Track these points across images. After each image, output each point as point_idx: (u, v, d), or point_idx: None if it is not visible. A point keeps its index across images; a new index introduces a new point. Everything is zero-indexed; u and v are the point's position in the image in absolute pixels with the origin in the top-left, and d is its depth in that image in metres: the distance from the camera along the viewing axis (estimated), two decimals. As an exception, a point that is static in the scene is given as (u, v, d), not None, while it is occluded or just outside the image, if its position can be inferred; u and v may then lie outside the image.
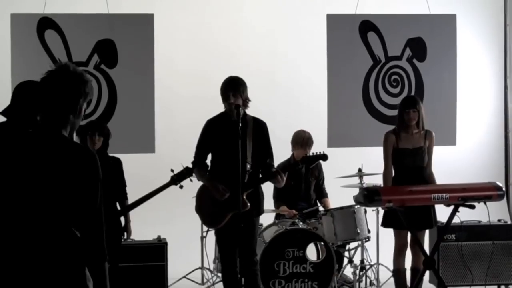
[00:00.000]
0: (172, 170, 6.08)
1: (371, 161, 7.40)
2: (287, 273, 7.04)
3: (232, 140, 5.74)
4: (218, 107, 6.08)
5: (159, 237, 7.41)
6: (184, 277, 7.79)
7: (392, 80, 8.42)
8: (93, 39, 7.99)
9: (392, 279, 7.10)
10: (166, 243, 7.28)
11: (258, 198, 6.07)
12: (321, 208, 7.81)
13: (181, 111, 8.87)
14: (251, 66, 8.70)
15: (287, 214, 7.56)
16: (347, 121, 8.32)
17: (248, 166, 5.92)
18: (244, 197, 5.81)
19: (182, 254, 7.84)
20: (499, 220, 7.67)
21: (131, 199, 6.29)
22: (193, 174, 6.17)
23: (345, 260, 7.63)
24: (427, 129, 6.67)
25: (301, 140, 7.59)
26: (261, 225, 7.08)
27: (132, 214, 6.44)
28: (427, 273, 7.06)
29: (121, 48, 8.00)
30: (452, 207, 5.65)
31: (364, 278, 7.62)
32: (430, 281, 7.54)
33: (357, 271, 7.53)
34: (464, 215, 5.93)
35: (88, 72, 7.86)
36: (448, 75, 8.45)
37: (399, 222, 6.10)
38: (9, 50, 7.86)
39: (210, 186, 6.01)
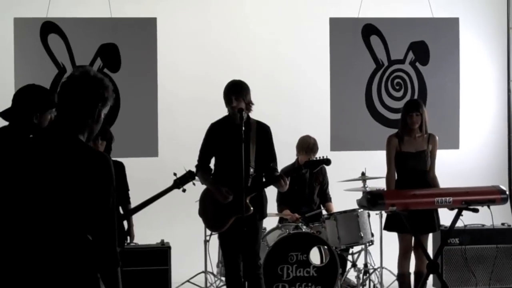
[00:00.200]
0: (175, 174, 6.08)
1: (374, 165, 7.39)
2: (290, 277, 7.03)
3: (235, 144, 5.75)
4: (221, 110, 6.08)
5: (162, 241, 7.41)
6: (188, 281, 7.79)
7: (395, 83, 8.42)
8: (96, 43, 7.99)
9: (395, 283, 7.10)
10: (169, 247, 7.28)
11: (261, 202, 6.07)
12: (324, 212, 7.81)
13: (184, 114, 8.87)
14: (254, 69, 8.71)
15: (290, 218, 7.56)
16: (350, 125, 8.31)
17: (251, 170, 5.92)
18: (247, 201, 5.81)
19: (186, 258, 7.84)
20: (502, 224, 7.68)
21: (134, 203, 6.29)
22: (196, 178, 6.18)
23: (349, 264, 7.62)
24: (430, 132, 6.67)
25: (306, 146, 7.58)
26: (265, 229, 7.08)
27: (135, 218, 6.43)
28: (431, 277, 7.04)
29: (124, 52, 8.00)
30: (455, 210, 5.64)
31: (367, 282, 7.61)
32: (434, 285, 7.53)
33: (361, 275, 7.53)
34: (468, 218, 5.91)
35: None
36: (451, 78, 8.45)
37: (403, 226, 6.09)
38: (13, 55, 7.86)
39: (213, 190, 6.02)
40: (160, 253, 7.23)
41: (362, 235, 7.28)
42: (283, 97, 9.10)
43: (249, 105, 5.96)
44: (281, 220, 7.68)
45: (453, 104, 8.43)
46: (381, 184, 6.97)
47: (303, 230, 7.20)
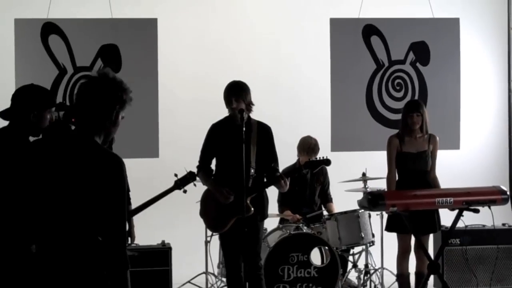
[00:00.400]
0: (176, 175, 6.08)
1: (375, 165, 7.39)
2: (291, 277, 7.03)
3: (236, 145, 5.75)
4: (222, 111, 6.08)
5: (163, 242, 7.41)
6: (189, 281, 7.79)
7: (395, 84, 8.42)
8: (97, 44, 7.99)
9: (396, 284, 7.09)
10: (170, 248, 7.28)
11: (262, 203, 6.07)
12: (325, 213, 7.81)
13: (185, 115, 8.88)
14: (255, 70, 8.71)
15: (290, 219, 7.56)
16: (351, 125, 8.31)
17: (252, 170, 5.93)
18: (248, 201, 5.81)
19: (186, 258, 7.84)
20: (503, 224, 7.68)
21: (134, 204, 6.28)
22: (197, 179, 6.18)
23: (350, 265, 7.62)
24: (431, 133, 6.67)
25: (308, 146, 7.58)
26: (266, 229, 7.08)
27: (136, 219, 6.41)
28: (432, 277, 7.04)
29: (124, 53, 8.01)
30: (456, 211, 5.64)
31: (368, 282, 7.61)
32: (435, 286, 7.53)
33: (362, 276, 7.53)
34: (468, 219, 5.91)
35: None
36: (451, 79, 8.44)
37: (403, 226, 6.10)
38: (13, 55, 7.86)
39: (214, 190, 6.03)
40: (161, 254, 7.22)
41: (363, 235, 7.28)
42: (283, 98, 9.11)
43: (249, 105, 5.96)
44: (282, 221, 7.68)
45: (453, 105, 8.43)
46: (382, 185, 6.97)
47: (304, 230, 7.20)
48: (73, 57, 7.96)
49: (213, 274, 7.77)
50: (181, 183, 6.10)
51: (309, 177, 7.78)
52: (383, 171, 6.72)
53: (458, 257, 7.39)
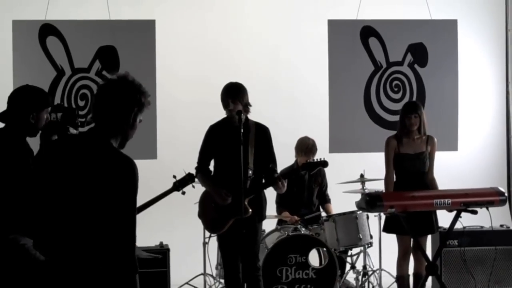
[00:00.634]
0: (174, 176, 6.08)
1: (373, 167, 7.39)
2: (289, 279, 7.03)
3: (234, 146, 5.75)
4: (220, 112, 6.08)
5: (161, 243, 7.40)
6: (187, 283, 7.78)
7: (393, 85, 8.42)
8: (94, 45, 7.99)
9: (394, 285, 7.10)
10: (168, 249, 7.27)
11: (260, 204, 6.07)
12: (323, 214, 7.81)
13: (183, 117, 8.87)
14: (252, 71, 8.71)
15: (289, 220, 7.56)
16: (348, 127, 8.32)
17: (250, 172, 5.92)
18: (246, 203, 5.81)
19: (185, 260, 7.84)
20: (501, 226, 7.67)
21: (133, 205, 6.27)
22: (196, 180, 6.18)
23: (348, 266, 7.62)
24: (429, 134, 6.68)
25: (305, 147, 7.58)
26: (264, 231, 7.07)
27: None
28: (430, 278, 7.05)
29: (122, 54, 8.01)
30: (454, 212, 5.64)
31: (366, 284, 7.61)
32: (433, 287, 7.52)
33: (360, 277, 7.54)
34: (466, 220, 5.91)
35: (90, 79, 7.92)
36: (449, 80, 8.45)
37: (401, 228, 6.10)
38: (11, 57, 7.86)
39: (212, 192, 6.03)
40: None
41: (361, 237, 7.28)
42: (281, 99, 9.11)
43: (246, 106, 5.96)
44: (280, 222, 7.69)
45: (451, 106, 8.44)
46: (380, 186, 6.97)
47: (302, 232, 7.20)
48: (71, 59, 7.97)
49: (211, 275, 7.77)
50: (179, 185, 6.10)
51: (307, 178, 7.78)
52: (381, 172, 6.73)
53: (456, 258, 7.39)
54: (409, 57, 8.42)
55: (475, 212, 5.52)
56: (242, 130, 5.73)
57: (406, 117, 6.60)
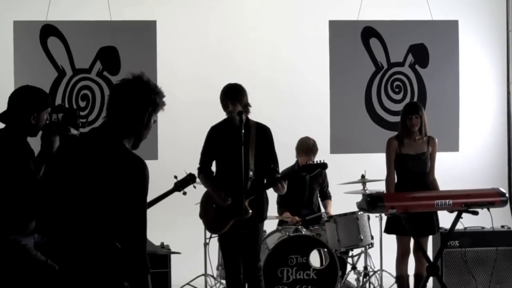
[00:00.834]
0: (175, 177, 6.08)
1: (374, 167, 7.39)
2: (290, 279, 7.03)
3: (235, 147, 5.75)
4: (221, 113, 6.08)
5: (162, 244, 7.40)
6: (188, 284, 7.78)
7: (394, 86, 8.42)
8: (95, 46, 7.99)
9: (395, 286, 7.09)
10: (169, 250, 7.27)
11: (262, 204, 6.07)
12: (324, 215, 7.81)
13: (184, 117, 8.87)
14: (253, 72, 8.71)
15: (290, 221, 7.56)
16: (350, 128, 8.31)
17: (251, 172, 5.92)
18: (247, 203, 5.82)
19: (185, 261, 7.83)
20: (502, 226, 7.67)
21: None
22: (197, 181, 6.18)
23: (348, 267, 7.62)
24: (430, 135, 6.68)
25: (306, 147, 7.59)
26: (265, 231, 7.07)
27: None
28: (431, 279, 7.05)
29: (123, 55, 8.01)
30: (455, 213, 5.64)
31: (367, 284, 7.61)
32: (434, 288, 7.53)
33: (361, 278, 7.54)
34: (467, 221, 5.91)
35: (91, 79, 7.92)
36: (450, 81, 8.44)
37: (402, 228, 6.10)
38: (12, 58, 7.86)
39: (212, 192, 6.04)
40: (160, 256, 7.21)
41: (362, 237, 7.28)
42: (282, 100, 9.11)
43: (246, 107, 5.96)
44: (281, 223, 7.69)
45: (452, 107, 8.43)
46: (381, 187, 6.97)
47: (303, 232, 7.20)
48: (72, 59, 7.97)
49: (212, 276, 7.77)
50: (180, 185, 6.10)
51: (308, 179, 7.77)
52: (382, 173, 6.73)
53: (457, 259, 7.39)
54: (410, 58, 8.41)
55: (476, 213, 5.53)
56: (243, 131, 5.74)
57: (407, 117, 6.60)
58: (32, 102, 4.60)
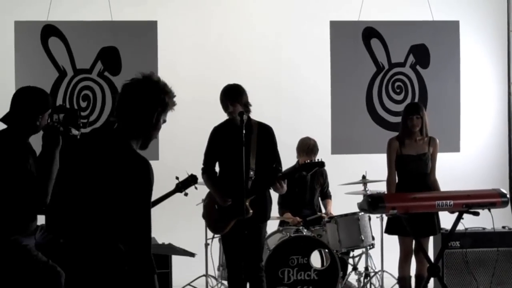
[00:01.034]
0: (177, 178, 6.08)
1: (375, 168, 7.39)
2: (291, 280, 7.03)
3: (236, 147, 5.76)
4: (222, 113, 6.09)
5: (163, 244, 7.40)
6: (189, 284, 7.78)
7: (395, 87, 8.41)
8: (96, 46, 7.99)
9: (396, 286, 7.09)
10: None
11: (264, 204, 6.08)
12: (325, 215, 7.81)
13: (185, 117, 8.82)
14: (255, 73, 8.71)
15: (291, 222, 7.56)
16: (351, 128, 8.30)
17: (252, 172, 5.93)
18: (248, 203, 5.82)
19: (186, 261, 7.80)
20: (503, 227, 7.66)
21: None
22: (198, 182, 6.19)
23: (350, 267, 7.62)
24: (431, 135, 6.67)
25: (306, 147, 7.59)
26: (266, 232, 7.08)
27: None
28: (432, 280, 7.04)
29: (124, 55, 8.00)
30: (456, 214, 5.64)
31: (368, 285, 7.61)
32: (435, 288, 7.53)
33: (362, 278, 7.54)
34: (468, 222, 5.91)
35: (92, 80, 7.92)
36: (451, 81, 8.44)
37: (403, 229, 6.10)
38: (13, 58, 7.86)
39: (213, 193, 6.05)
40: (161, 256, 7.20)
41: (363, 238, 7.28)
42: (284, 100, 9.10)
43: (246, 107, 5.96)
44: (282, 224, 7.69)
45: (453, 107, 8.43)
46: (382, 187, 6.97)
47: (304, 233, 7.20)
48: (73, 60, 7.96)
49: (213, 276, 7.77)
50: (182, 186, 6.11)
51: (309, 179, 7.77)
52: (383, 173, 6.72)
53: (458, 260, 7.39)
54: (411, 58, 8.41)
55: (477, 214, 5.53)
56: (244, 131, 5.74)
57: (408, 118, 6.60)
58: (38, 103, 4.61)
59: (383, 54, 8.37)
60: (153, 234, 3.31)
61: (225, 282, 7.05)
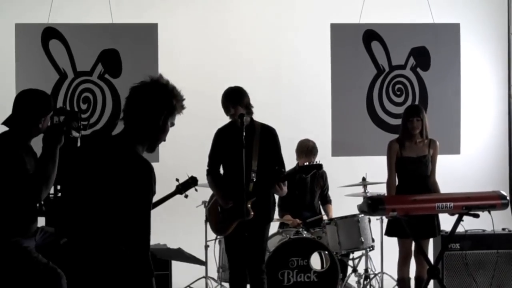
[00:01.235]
0: (177, 180, 6.09)
1: (375, 170, 7.39)
2: (291, 282, 7.03)
3: (238, 149, 5.77)
4: (223, 116, 6.09)
5: (163, 246, 7.41)
6: (188, 286, 7.79)
7: (396, 89, 8.42)
8: (97, 48, 8.00)
9: (396, 288, 7.09)
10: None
11: (267, 206, 6.09)
12: (325, 217, 7.82)
13: (185, 120, 8.83)
14: (255, 75, 8.71)
15: (291, 223, 7.56)
16: (351, 130, 8.31)
17: (253, 174, 5.94)
18: (249, 205, 5.83)
19: (186, 263, 7.83)
20: (503, 229, 7.66)
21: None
22: (198, 184, 6.20)
23: (349, 269, 7.62)
24: (431, 138, 6.68)
25: (305, 149, 7.61)
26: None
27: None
28: (431, 282, 7.04)
29: (125, 57, 8.01)
30: (456, 216, 5.65)
31: (368, 287, 7.61)
32: (435, 290, 7.52)
33: (361, 280, 7.54)
34: (468, 224, 5.91)
35: (92, 82, 7.93)
36: (452, 84, 8.44)
37: (403, 231, 6.10)
38: (14, 60, 7.87)
39: (216, 194, 6.08)
40: (161, 259, 7.22)
41: (363, 240, 7.28)
42: (284, 103, 9.10)
43: (248, 108, 5.97)
44: (282, 225, 7.69)
45: (454, 110, 8.43)
46: (382, 190, 6.97)
47: (304, 235, 7.20)
48: (73, 62, 7.97)
49: (213, 278, 7.77)
50: (182, 188, 6.13)
51: (309, 181, 7.78)
52: (383, 176, 6.73)
53: (458, 262, 7.39)
54: (411, 61, 8.41)
55: (477, 216, 5.53)
56: (244, 133, 5.76)
57: (408, 120, 6.60)
58: (40, 106, 4.62)
59: (383, 56, 8.37)
60: (152, 236, 3.32)
61: (225, 284, 7.05)
